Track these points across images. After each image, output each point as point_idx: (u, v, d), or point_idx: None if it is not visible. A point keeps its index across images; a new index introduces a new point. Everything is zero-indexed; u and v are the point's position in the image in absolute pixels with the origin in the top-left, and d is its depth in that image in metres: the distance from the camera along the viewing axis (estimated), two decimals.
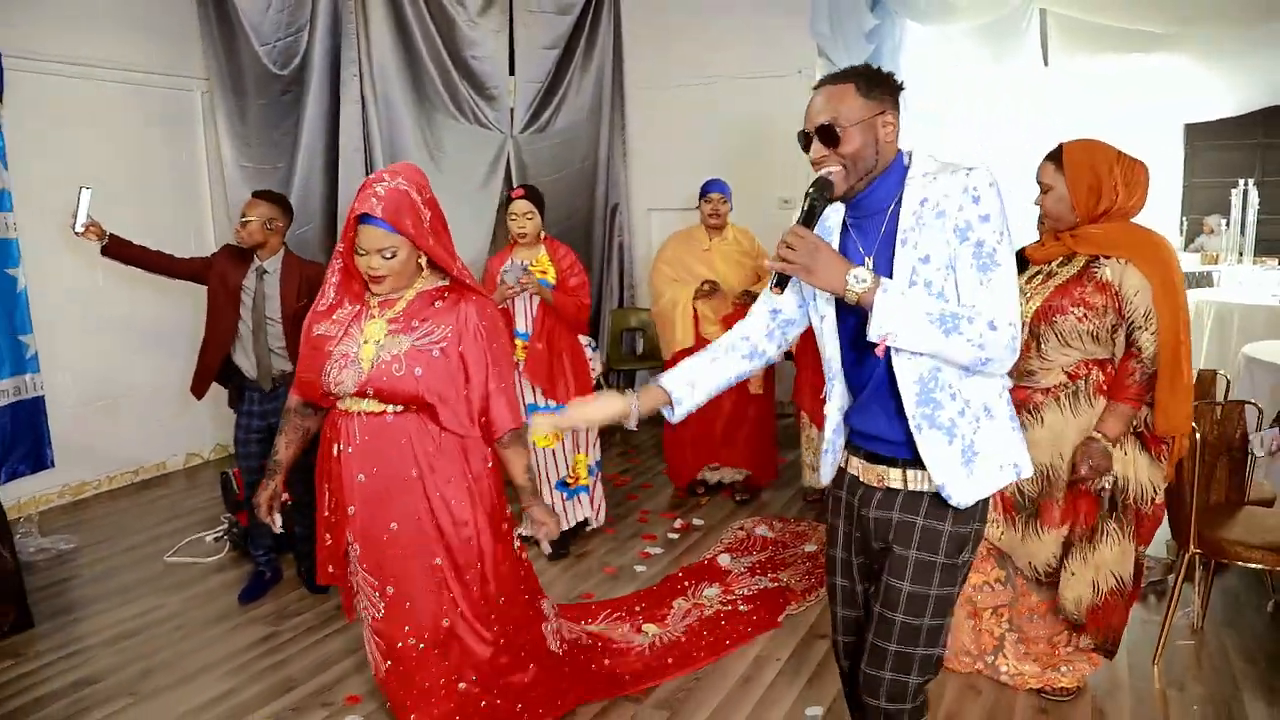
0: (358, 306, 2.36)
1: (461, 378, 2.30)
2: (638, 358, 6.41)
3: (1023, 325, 2.51)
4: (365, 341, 2.29)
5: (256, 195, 3.68)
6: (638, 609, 3.31)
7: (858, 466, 1.90)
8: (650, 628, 3.19)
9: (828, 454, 1.97)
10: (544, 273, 3.91)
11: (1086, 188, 2.53)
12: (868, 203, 1.80)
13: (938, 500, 1.78)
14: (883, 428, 1.82)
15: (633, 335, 6.49)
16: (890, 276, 1.72)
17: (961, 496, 1.76)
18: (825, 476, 1.99)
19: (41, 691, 3.07)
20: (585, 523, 4.19)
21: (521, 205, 3.83)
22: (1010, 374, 2.49)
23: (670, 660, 3.05)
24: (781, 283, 1.78)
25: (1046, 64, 7.30)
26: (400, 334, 2.28)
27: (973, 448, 1.76)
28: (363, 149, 5.03)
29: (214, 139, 5.51)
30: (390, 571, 2.35)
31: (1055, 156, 2.60)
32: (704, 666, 3.05)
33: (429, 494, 2.32)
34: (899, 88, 1.82)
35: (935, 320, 1.65)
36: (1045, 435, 2.57)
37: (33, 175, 4.77)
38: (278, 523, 2.52)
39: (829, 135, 1.73)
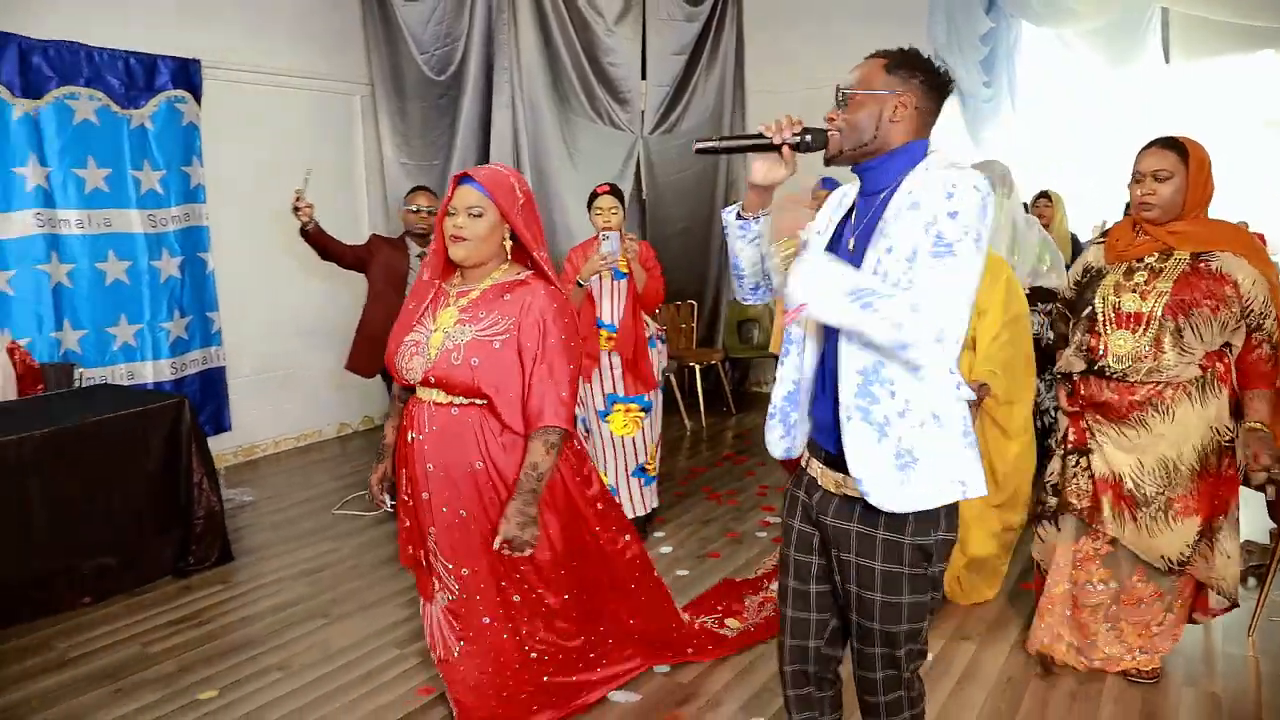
0: (435, 292, 2.41)
1: (519, 371, 2.27)
2: (754, 347, 6.74)
3: (1153, 321, 2.58)
4: (436, 330, 2.32)
5: (421, 188, 4.18)
6: (718, 608, 3.33)
7: (817, 469, 1.86)
8: (732, 622, 3.22)
9: (774, 420, 1.89)
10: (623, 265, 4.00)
11: (1204, 183, 2.58)
12: (868, 183, 1.79)
13: (901, 514, 1.73)
14: (830, 419, 1.78)
15: (750, 326, 6.82)
16: (861, 265, 1.69)
17: (885, 500, 1.69)
18: (771, 446, 1.92)
19: (247, 612, 3.58)
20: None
21: (607, 200, 3.93)
22: (1112, 375, 2.63)
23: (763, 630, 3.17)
24: (709, 149, 1.78)
25: (1168, 61, 7.27)
26: (467, 324, 2.29)
27: (911, 453, 1.69)
28: (512, 148, 5.50)
29: (373, 138, 6.08)
30: (464, 555, 2.38)
31: (1172, 146, 2.59)
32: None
33: (494, 487, 2.33)
34: (938, 79, 1.77)
35: (852, 294, 1.59)
36: (1174, 430, 2.61)
37: (221, 170, 5.39)
38: (387, 502, 2.62)
39: (841, 98, 1.76)
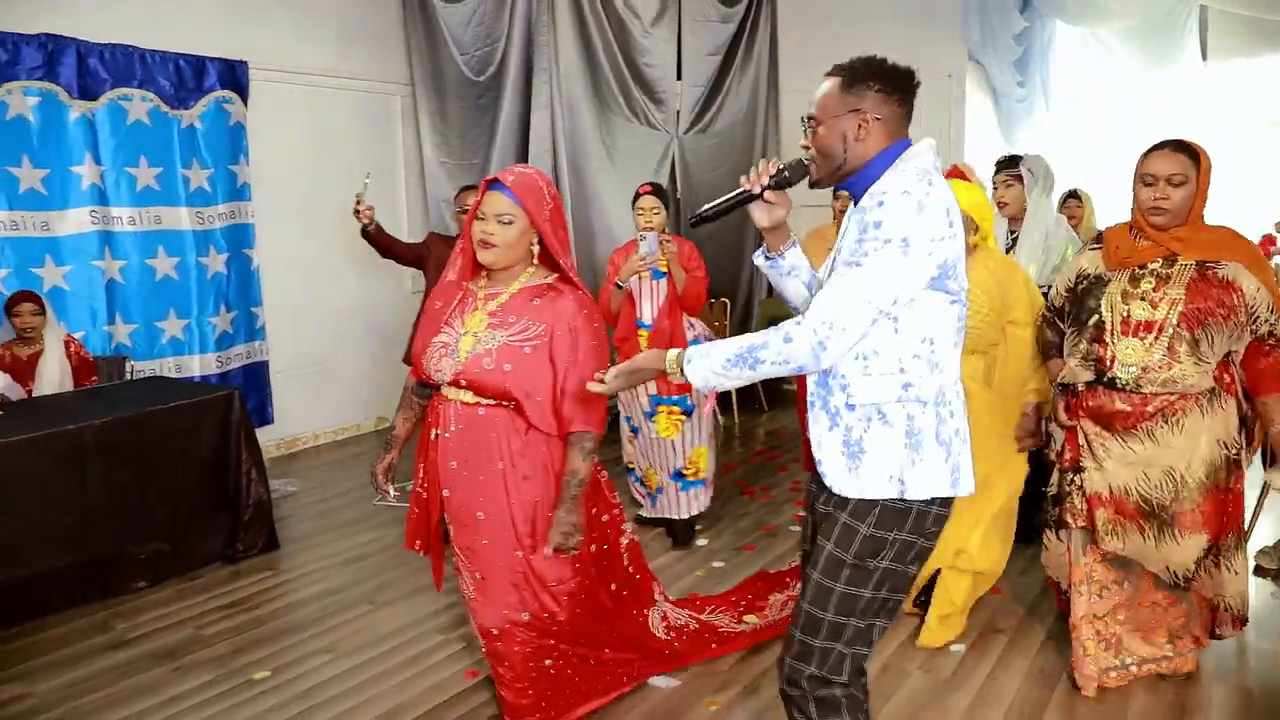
0: (463, 294, 2.45)
1: (549, 376, 2.31)
2: None
3: (1165, 329, 2.54)
4: (465, 333, 2.36)
5: (469, 188, 4.28)
6: (740, 603, 3.33)
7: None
8: (750, 618, 3.23)
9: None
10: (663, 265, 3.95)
11: (1208, 189, 2.55)
12: (856, 196, 1.82)
13: (866, 502, 1.79)
14: None
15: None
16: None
17: (838, 485, 1.79)
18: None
19: (294, 598, 3.70)
20: (700, 516, 4.22)
21: (649, 201, 3.90)
22: (1123, 385, 2.57)
23: (773, 632, 3.16)
24: (699, 222, 1.91)
25: (1205, 60, 7.24)
26: (497, 329, 2.33)
27: (860, 445, 1.77)
28: (550, 148, 5.60)
29: (413, 137, 6.21)
30: (480, 557, 2.42)
31: (1183, 149, 2.54)
32: None
33: (509, 489, 2.36)
34: (897, 81, 1.79)
35: (733, 361, 1.70)
36: (1182, 442, 2.57)
37: (266, 169, 5.53)
38: (391, 492, 2.66)
39: (806, 126, 1.82)
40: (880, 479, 1.76)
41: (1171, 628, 2.86)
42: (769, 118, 6.66)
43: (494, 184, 2.33)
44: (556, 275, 2.42)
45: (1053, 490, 2.88)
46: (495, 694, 2.69)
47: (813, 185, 1.86)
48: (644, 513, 4.29)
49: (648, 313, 3.99)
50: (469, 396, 2.35)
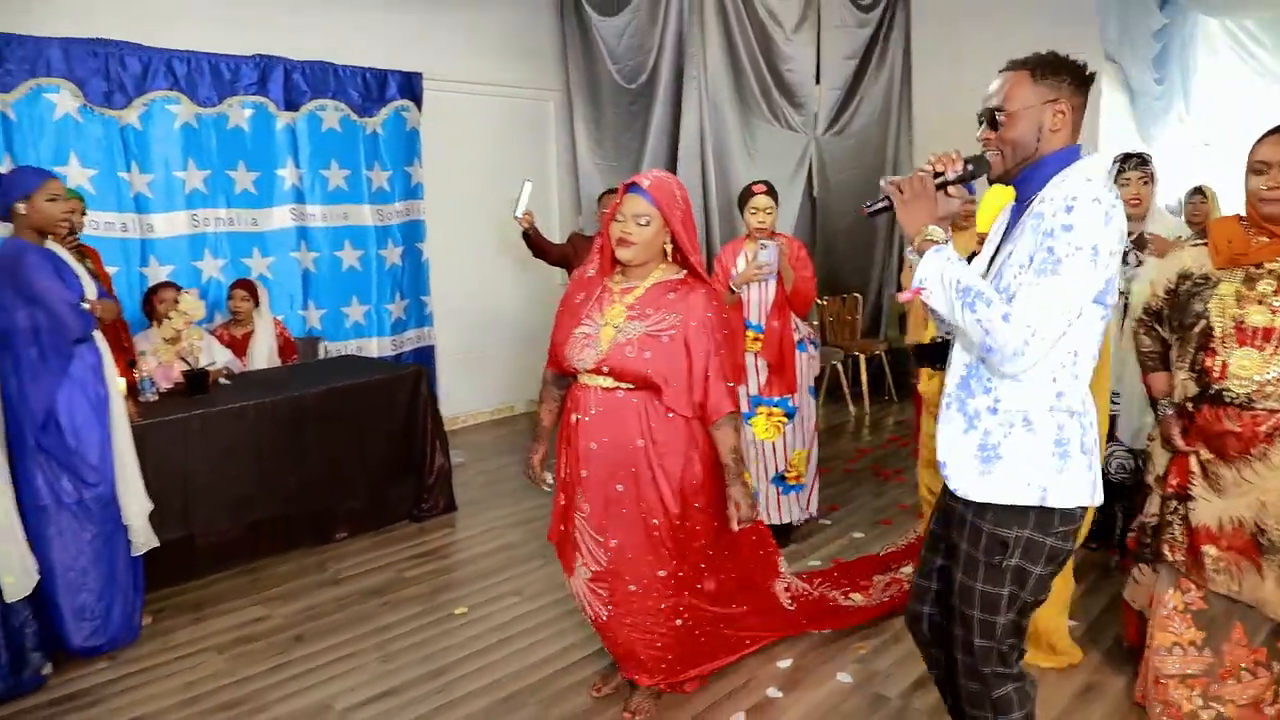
0: (601, 289, 2.61)
1: (686, 363, 2.48)
2: None
3: None
4: (605, 324, 2.54)
5: (609, 193, 4.68)
6: (844, 582, 3.48)
7: None
8: (856, 596, 3.38)
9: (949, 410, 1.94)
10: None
11: None
12: (1021, 193, 1.84)
13: (993, 505, 1.80)
14: None
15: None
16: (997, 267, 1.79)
17: (962, 487, 1.81)
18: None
19: (477, 551, 4.18)
20: (808, 519, 4.18)
21: (762, 200, 3.83)
22: (1232, 401, 2.30)
23: (883, 609, 3.33)
24: (875, 211, 1.87)
25: None
26: (636, 320, 2.51)
27: (996, 450, 1.77)
28: (698, 149, 6.00)
29: (564, 139, 6.70)
30: (615, 527, 2.59)
31: None
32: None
33: (651, 463, 2.53)
34: (1084, 78, 1.78)
35: (959, 289, 1.68)
36: None
37: (437, 171, 6.08)
38: (549, 480, 2.81)
39: (993, 120, 1.79)
40: (1017, 484, 1.77)
41: (1253, 703, 2.45)
42: (902, 118, 6.87)
43: (632, 187, 2.51)
44: (686, 271, 2.59)
45: (1151, 520, 2.62)
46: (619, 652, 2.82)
47: (993, 180, 1.85)
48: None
49: (755, 313, 3.93)
50: (608, 382, 2.54)
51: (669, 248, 2.56)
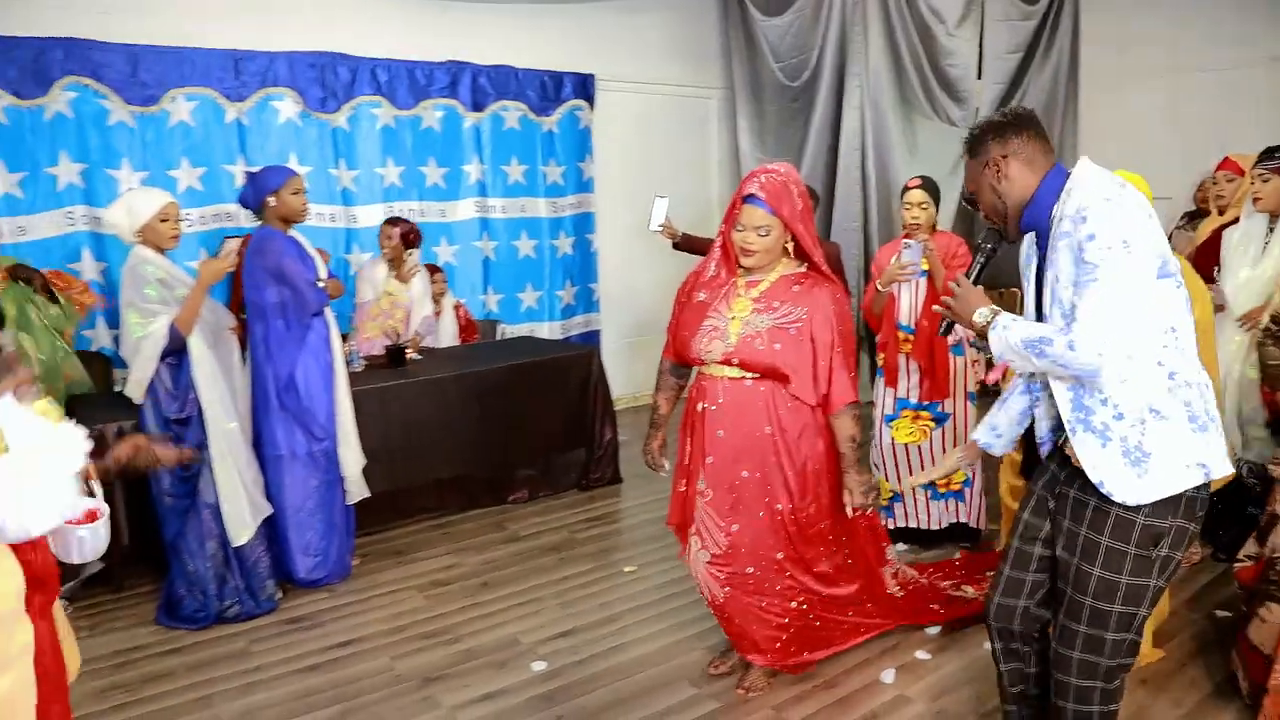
0: (727, 286, 2.70)
1: (811, 354, 2.57)
2: None
3: None
4: (732, 318, 2.63)
5: None
6: (960, 572, 3.49)
7: (1070, 450, 1.92)
8: (968, 589, 3.36)
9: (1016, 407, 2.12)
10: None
11: None
12: (1036, 228, 1.94)
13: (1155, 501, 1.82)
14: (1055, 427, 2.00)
15: None
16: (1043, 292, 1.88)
17: (1127, 495, 1.81)
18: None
19: (643, 518, 4.52)
20: (963, 526, 3.93)
21: (917, 195, 3.70)
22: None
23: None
24: (948, 329, 2.13)
25: None
26: (763, 313, 2.60)
27: (1140, 448, 1.79)
28: (859, 145, 6.16)
29: (726, 134, 6.98)
30: (738, 512, 2.67)
31: None
32: None
33: (778, 449, 2.62)
34: (1000, 127, 1.91)
35: (1027, 346, 1.80)
36: None
37: (608, 166, 6.47)
38: (667, 466, 2.92)
39: (971, 203, 2.01)
40: (1176, 470, 1.79)
41: None
42: (1068, 110, 6.75)
43: (750, 199, 2.56)
44: (808, 265, 2.68)
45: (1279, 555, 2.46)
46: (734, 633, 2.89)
47: (1011, 241, 2.02)
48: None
49: (906, 313, 3.78)
50: (735, 373, 2.63)
51: (790, 245, 2.66)
